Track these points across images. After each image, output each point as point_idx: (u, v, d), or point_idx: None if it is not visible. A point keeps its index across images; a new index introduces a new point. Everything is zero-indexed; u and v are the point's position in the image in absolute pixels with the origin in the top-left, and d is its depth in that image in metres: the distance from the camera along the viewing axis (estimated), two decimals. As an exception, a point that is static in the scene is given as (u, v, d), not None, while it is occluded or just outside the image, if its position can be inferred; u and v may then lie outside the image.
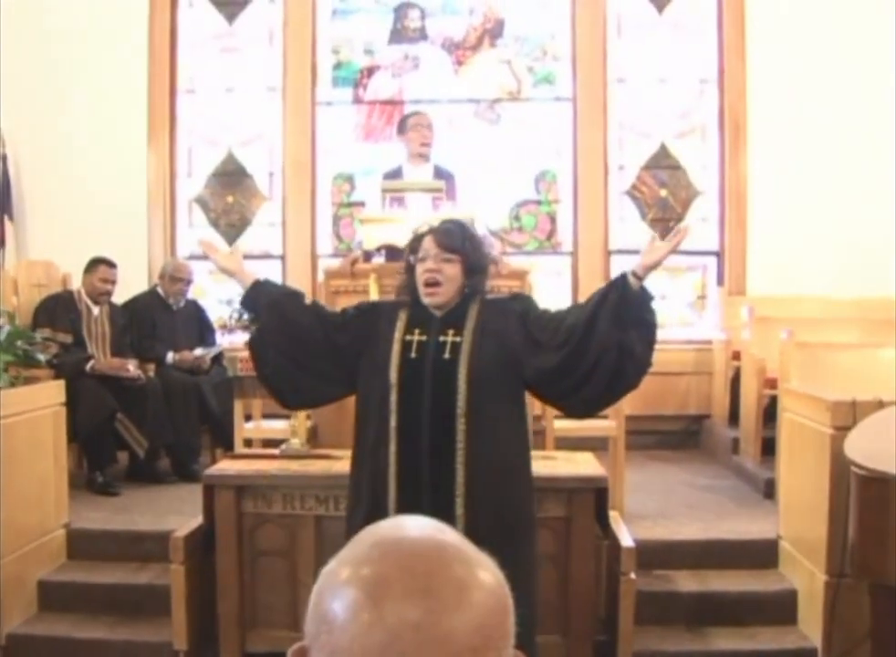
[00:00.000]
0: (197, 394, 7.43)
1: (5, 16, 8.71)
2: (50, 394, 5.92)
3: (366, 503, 3.98)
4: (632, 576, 4.80)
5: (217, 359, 7.71)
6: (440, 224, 4.05)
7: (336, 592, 1.09)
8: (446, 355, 3.92)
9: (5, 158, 8.86)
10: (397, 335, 3.98)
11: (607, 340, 3.83)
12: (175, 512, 6.11)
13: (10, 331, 5.66)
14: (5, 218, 8.88)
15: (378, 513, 3.82)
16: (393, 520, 1.19)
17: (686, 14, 9.04)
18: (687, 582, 5.51)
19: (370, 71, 9.20)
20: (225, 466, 5.21)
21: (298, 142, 9.12)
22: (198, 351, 7.67)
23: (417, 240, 4.00)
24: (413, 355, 3.94)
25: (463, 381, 3.88)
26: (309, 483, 4.93)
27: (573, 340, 3.88)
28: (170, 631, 5.08)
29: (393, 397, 3.92)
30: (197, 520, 5.24)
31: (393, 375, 3.92)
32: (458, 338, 3.94)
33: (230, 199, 9.29)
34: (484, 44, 9.14)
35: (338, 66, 9.20)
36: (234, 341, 7.15)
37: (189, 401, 7.40)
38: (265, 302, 4.11)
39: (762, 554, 5.67)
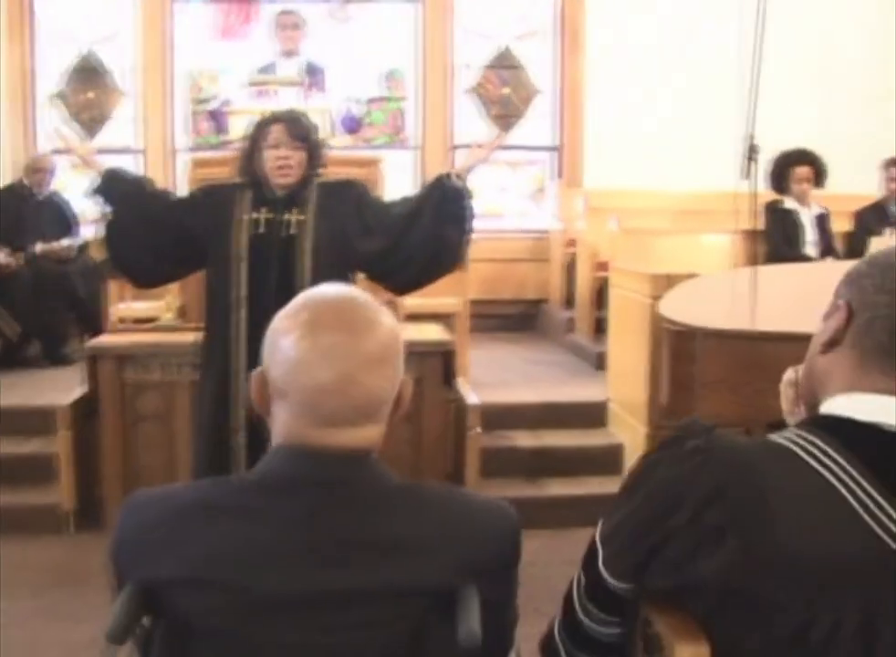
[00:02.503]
0: (65, 282, 7.74)
1: None
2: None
3: (218, 364, 4.42)
4: (478, 430, 5.42)
5: (82, 248, 8.03)
6: (286, 112, 4.54)
7: (283, 331, 1.67)
8: (291, 231, 4.38)
9: None
10: (244, 214, 4.41)
11: (426, 231, 4.39)
12: (50, 390, 6.42)
13: None
14: None
15: (228, 375, 4.35)
16: (317, 287, 1.75)
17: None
18: (525, 439, 6.16)
19: (225, -29, 9.46)
20: (108, 339, 5.65)
21: (154, 40, 9.34)
22: (65, 242, 7.96)
23: (264, 127, 4.41)
24: (261, 231, 4.38)
25: (307, 256, 4.37)
26: (184, 351, 5.37)
27: (397, 228, 4.43)
28: (58, 495, 5.52)
29: (243, 268, 4.37)
30: (79, 391, 5.67)
31: (242, 249, 4.37)
32: (301, 217, 4.40)
33: (90, 95, 9.49)
34: (336, -55, 9.47)
35: (193, -35, 9.42)
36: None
37: (58, 288, 7.71)
38: (119, 192, 4.50)
39: (592, 415, 6.35)
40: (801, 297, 4.85)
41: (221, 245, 4.41)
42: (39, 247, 7.81)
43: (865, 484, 1.52)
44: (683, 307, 4.66)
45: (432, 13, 9.43)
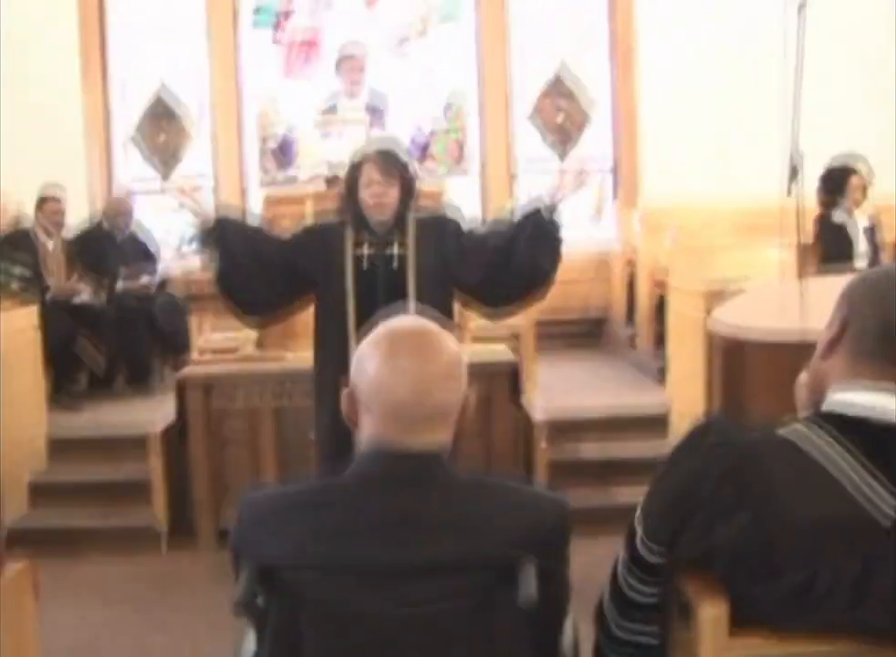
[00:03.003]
0: (147, 316, 8.11)
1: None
2: (25, 319, 6.66)
3: (332, 392, 4.69)
4: (543, 445, 5.74)
5: (162, 283, 8.46)
6: (377, 152, 4.73)
7: (367, 356, 2.03)
8: (394, 265, 4.68)
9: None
10: (349, 251, 4.69)
11: (522, 263, 4.68)
12: (136, 418, 6.82)
13: (-10, 263, 6.34)
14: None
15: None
16: (394, 319, 2.09)
17: (578, -54, 9.85)
18: (592, 450, 6.45)
19: (287, 14, 9.87)
20: (194, 369, 6.03)
21: (224, 81, 9.79)
22: (144, 279, 8.35)
23: (357, 168, 4.69)
24: (365, 267, 4.68)
25: (411, 288, 4.64)
26: (266, 379, 5.75)
27: (496, 260, 4.70)
28: (150, 516, 5.92)
29: (351, 303, 4.65)
30: (168, 419, 6.06)
31: (349, 284, 4.66)
32: (403, 252, 4.68)
33: (162, 135, 9.96)
34: (392, -17, 9.88)
35: (257, 10, 9.87)
36: (186, 266, 7.97)
37: (140, 322, 8.09)
38: (235, 241, 4.77)
39: (654, 425, 6.60)
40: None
41: (330, 282, 4.70)
42: (121, 285, 8.21)
43: (854, 463, 1.86)
44: (734, 320, 4.92)
45: (488, 41, 9.80)
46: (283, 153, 9.39)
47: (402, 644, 1.91)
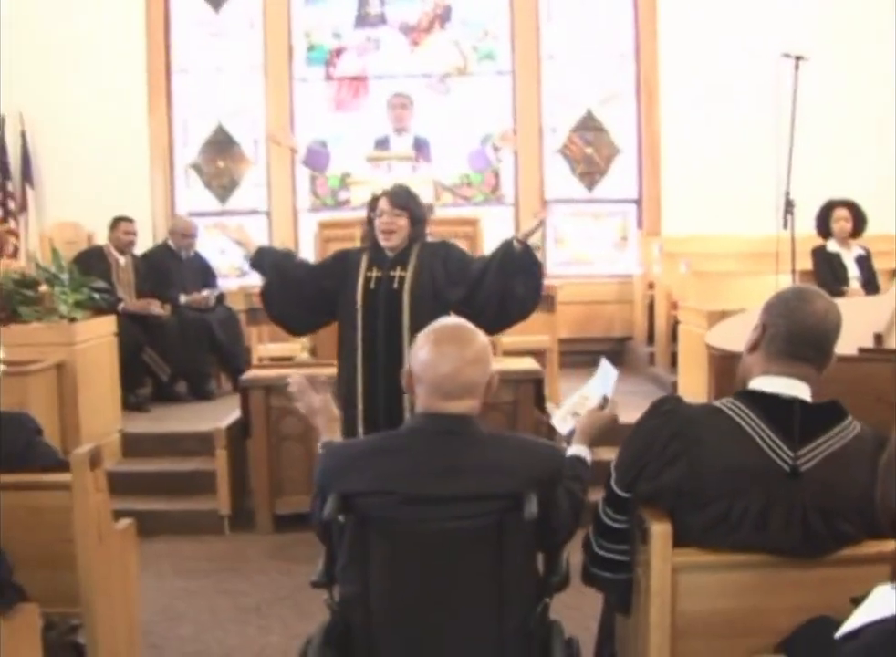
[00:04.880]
0: (206, 328, 8.90)
1: (19, 13, 10.20)
2: (106, 326, 7.43)
3: (344, 393, 5.44)
4: (563, 446, 6.43)
5: (220, 298, 9.28)
6: (392, 187, 5.58)
7: (420, 344, 2.81)
8: (395, 286, 5.46)
9: (24, 134, 10.29)
10: (361, 272, 5.50)
11: (492, 286, 5.42)
12: (197, 421, 7.69)
13: (76, 278, 7.11)
14: (27, 187, 10.35)
15: (351, 401, 5.42)
16: (441, 318, 2.88)
17: (606, -2, 10.65)
18: (609, 455, 7.14)
19: (339, 52, 10.72)
20: (255, 373, 6.80)
21: (278, 113, 10.62)
22: (205, 292, 9.13)
23: (375, 200, 5.54)
24: (372, 286, 5.47)
25: (406, 304, 5.42)
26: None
27: (471, 280, 5.46)
28: (214, 503, 6.66)
29: (359, 318, 5.45)
30: (230, 419, 6.84)
31: (359, 302, 5.45)
32: (403, 273, 5.47)
33: (221, 164, 10.82)
34: (436, 26, 10.68)
35: (311, 48, 10.72)
36: (245, 283, 8.82)
37: (200, 334, 8.87)
38: (269, 264, 5.65)
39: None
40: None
41: (346, 300, 5.50)
42: (183, 298, 9.00)
43: (763, 426, 2.69)
44: (726, 336, 5.61)
45: (523, 83, 10.60)
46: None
47: (439, 550, 2.73)
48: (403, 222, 5.43)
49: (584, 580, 3.00)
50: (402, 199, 5.46)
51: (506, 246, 5.47)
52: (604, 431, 3.26)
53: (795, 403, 2.70)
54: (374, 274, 5.47)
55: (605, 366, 3.53)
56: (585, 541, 2.95)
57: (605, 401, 3.29)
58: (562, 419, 3.48)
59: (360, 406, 5.38)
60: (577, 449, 3.18)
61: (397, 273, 5.46)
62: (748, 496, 2.64)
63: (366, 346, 5.44)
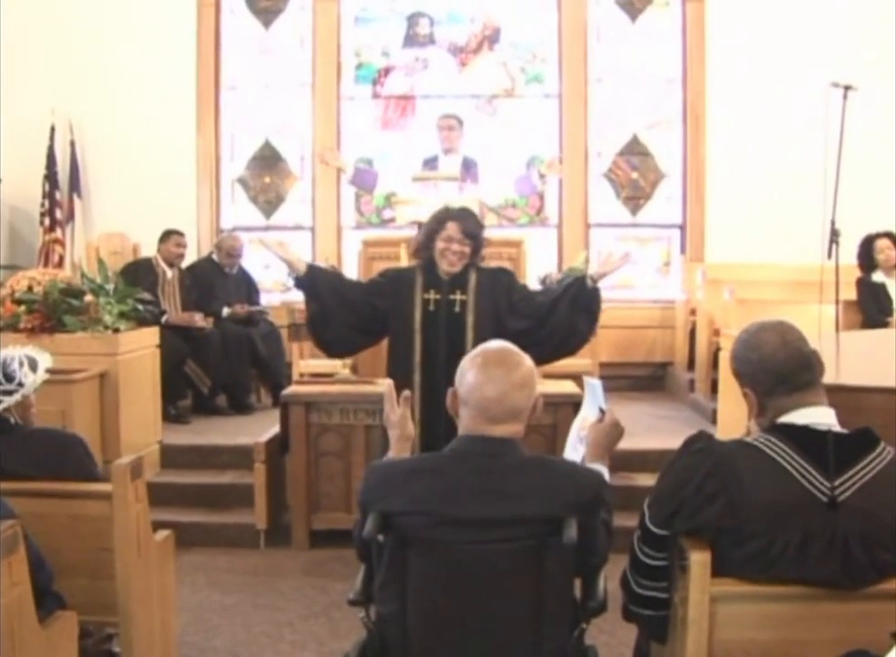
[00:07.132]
0: (248, 343, 8.94)
1: (74, 25, 10.35)
2: (149, 337, 7.49)
3: None
4: (602, 472, 6.42)
5: (262, 313, 9.31)
6: (460, 211, 5.57)
7: (468, 367, 2.81)
8: (456, 309, 5.52)
9: (73, 144, 10.40)
10: (417, 293, 5.54)
11: (560, 320, 5.54)
12: (236, 434, 7.75)
13: (121, 289, 7.16)
14: (75, 196, 10.45)
15: None
16: (488, 342, 2.88)
17: (655, 23, 10.64)
18: (647, 480, 7.12)
19: (387, 71, 10.76)
20: (296, 389, 6.82)
21: (326, 130, 10.68)
22: (247, 308, 9.16)
23: (442, 222, 5.50)
24: (431, 308, 5.52)
25: (470, 328, 5.50)
26: (360, 400, 6.50)
27: (539, 314, 5.56)
28: (251, 517, 6.66)
29: (418, 340, 5.51)
30: (268, 434, 6.86)
31: (417, 323, 5.51)
32: (464, 297, 5.52)
33: (267, 179, 10.87)
34: (484, 48, 10.71)
35: (359, 66, 10.77)
36: (288, 298, 8.86)
37: (242, 348, 8.91)
38: (323, 285, 5.63)
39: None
40: (873, 357, 5.79)
41: (401, 321, 5.54)
42: (226, 311, 9.05)
43: (798, 459, 2.70)
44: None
45: (570, 106, 10.61)
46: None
47: (478, 572, 2.72)
48: (469, 250, 5.49)
49: (624, 618, 3.01)
50: (473, 229, 5.51)
51: (580, 283, 5.56)
52: (612, 438, 3.25)
53: (828, 434, 2.71)
54: (432, 296, 5.52)
55: (589, 383, 3.58)
56: (623, 579, 2.95)
57: (602, 413, 3.27)
58: (573, 448, 3.49)
59: (419, 428, 5.33)
60: (594, 467, 3.15)
61: (457, 296, 5.52)
62: (788, 530, 2.64)
63: (424, 368, 5.49)
